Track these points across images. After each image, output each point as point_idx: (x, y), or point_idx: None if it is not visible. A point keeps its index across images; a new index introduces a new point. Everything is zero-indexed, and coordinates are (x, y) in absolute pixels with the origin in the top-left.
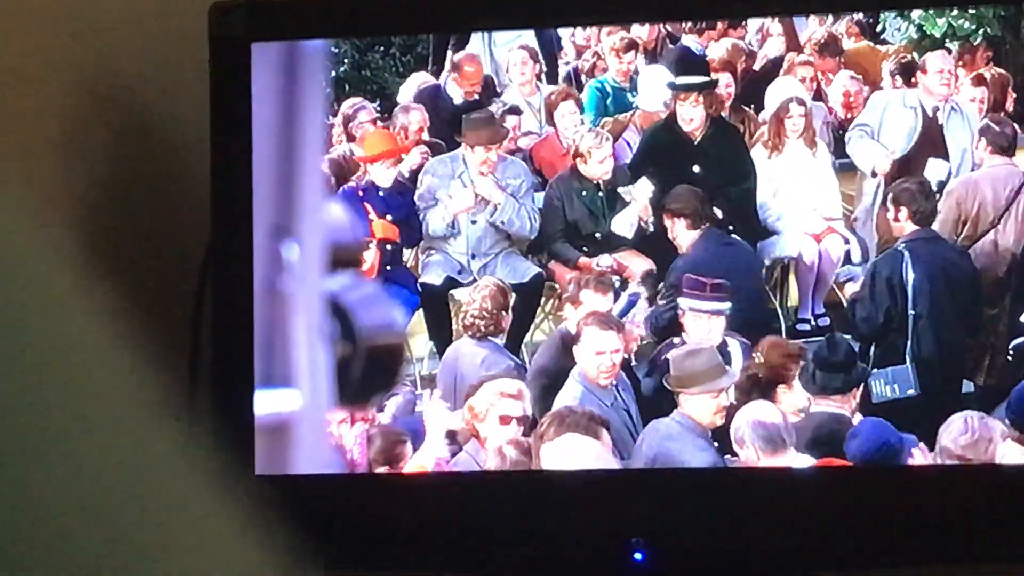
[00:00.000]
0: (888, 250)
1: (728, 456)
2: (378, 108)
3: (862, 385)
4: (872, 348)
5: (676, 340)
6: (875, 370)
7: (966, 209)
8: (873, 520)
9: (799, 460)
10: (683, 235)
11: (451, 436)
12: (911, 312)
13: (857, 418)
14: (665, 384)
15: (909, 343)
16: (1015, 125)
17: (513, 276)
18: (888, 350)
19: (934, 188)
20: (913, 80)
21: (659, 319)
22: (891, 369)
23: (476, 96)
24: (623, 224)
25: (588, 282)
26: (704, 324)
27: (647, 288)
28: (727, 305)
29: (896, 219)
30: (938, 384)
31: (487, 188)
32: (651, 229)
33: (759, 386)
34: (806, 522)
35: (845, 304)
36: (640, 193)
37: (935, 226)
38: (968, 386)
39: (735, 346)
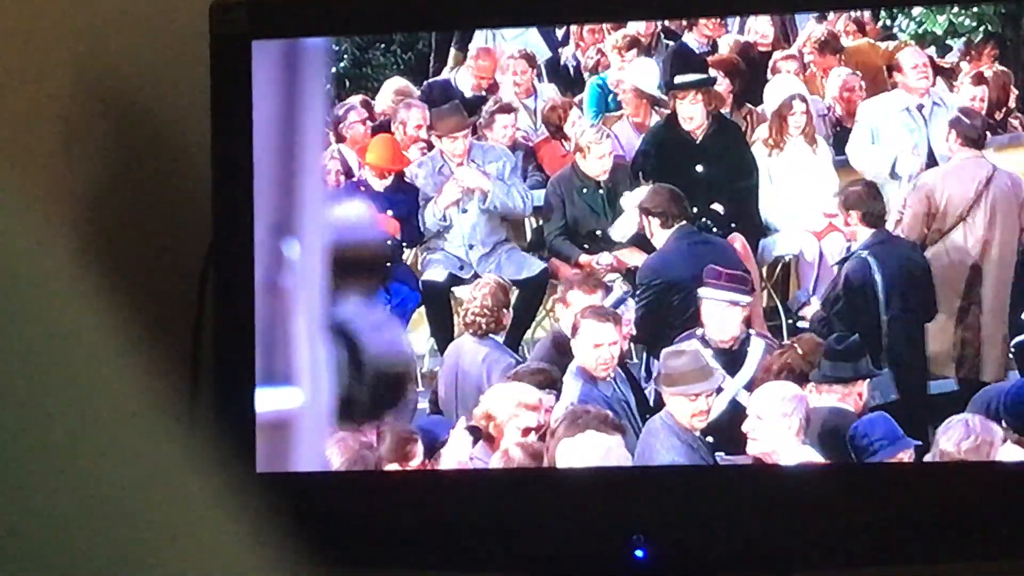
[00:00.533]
0: (852, 258)
1: (721, 455)
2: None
3: (867, 383)
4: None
5: (699, 331)
6: None
7: (935, 203)
8: (874, 517)
9: (806, 452)
10: (658, 234)
11: (474, 432)
12: (884, 317)
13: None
14: (654, 382)
15: (885, 349)
16: (984, 117)
17: (519, 272)
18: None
19: (906, 183)
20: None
21: (635, 317)
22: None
23: (484, 90)
24: (620, 231)
25: (575, 282)
26: (720, 314)
27: (627, 284)
28: (747, 298)
29: (847, 223)
30: (917, 386)
31: (471, 177)
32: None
33: (792, 375)
34: (807, 519)
35: (809, 324)
36: (633, 202)
37: (906, 220)
38: (948, 384)
39: (757, 344)
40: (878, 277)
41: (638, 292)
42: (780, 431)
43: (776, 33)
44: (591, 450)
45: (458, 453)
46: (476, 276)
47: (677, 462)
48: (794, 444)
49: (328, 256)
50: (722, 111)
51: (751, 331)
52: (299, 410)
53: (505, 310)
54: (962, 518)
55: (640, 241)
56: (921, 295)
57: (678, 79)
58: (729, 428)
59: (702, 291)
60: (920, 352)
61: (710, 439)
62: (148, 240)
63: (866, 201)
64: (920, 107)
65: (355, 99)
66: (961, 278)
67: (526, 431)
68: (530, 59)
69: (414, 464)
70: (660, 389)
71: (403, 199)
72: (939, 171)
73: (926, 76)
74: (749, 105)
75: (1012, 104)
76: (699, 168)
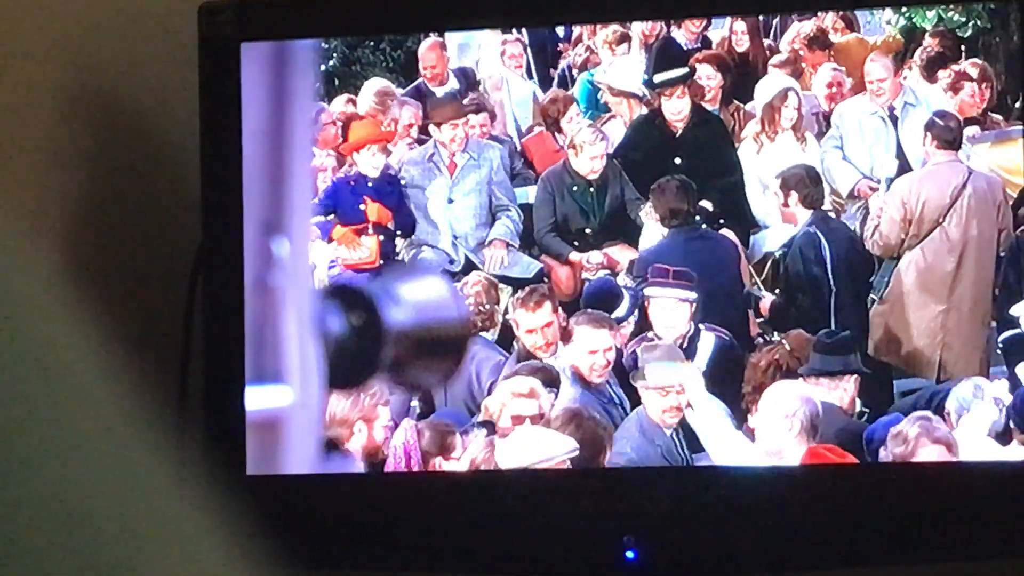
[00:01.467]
0: (801, 236)
1: (695, 454)
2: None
3: (857, 380)
4: None
5: (649, 334)
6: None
7: (911, 208)
8: (867, 517)
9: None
10: (658, 229)
11: (488, 427)
12: (833, 289)
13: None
14: (631, 380)
15: (833, 322)
16: (959, 118)
17: (515, 270)
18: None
19: (884, 186)
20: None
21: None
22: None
23: (457, 84)
24: (649, 242)
25: (518, 301)
26: (669, 313)
27: (632, 277)
28: (692, 294)
29: (786, 204)
30: (864, 358)
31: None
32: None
33: (780, 372)
34: (800, 519)
35: (767, 316)
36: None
37: (883, 226)
38: (919, 382)
39: (707, 339)
40: (827, 250)
41: (635, 284)
42: (780, 431)
43: (751, 37)
44: (538, 445)
45: (476, 451)
46: (466, 270)
47: (630, 457)
48: (793, 446)
49: (406, 338)
50: (706, 106)
51: (700, 326)
52: (289, 409)
53: (496, 307)
54: (959, 518)
55: (630, 238)
56: (863, 273)
57: (657, 78)
58: (688, 424)
59: (648, 291)
60: (865, 322)
61: (677, 439)
62: (137, 241)
63: (807, 183)
64: (891, 109)
65: (330, 100)
66: (941, 282)
67: (519, 419)
68: (524, 45)
69: (455, 455)
70: (635, 384)
71: (391, 190)
72: (914, 176)
73: (884, 92)
74: (737, 102)
75: (995, 100)
76: (677, 161)
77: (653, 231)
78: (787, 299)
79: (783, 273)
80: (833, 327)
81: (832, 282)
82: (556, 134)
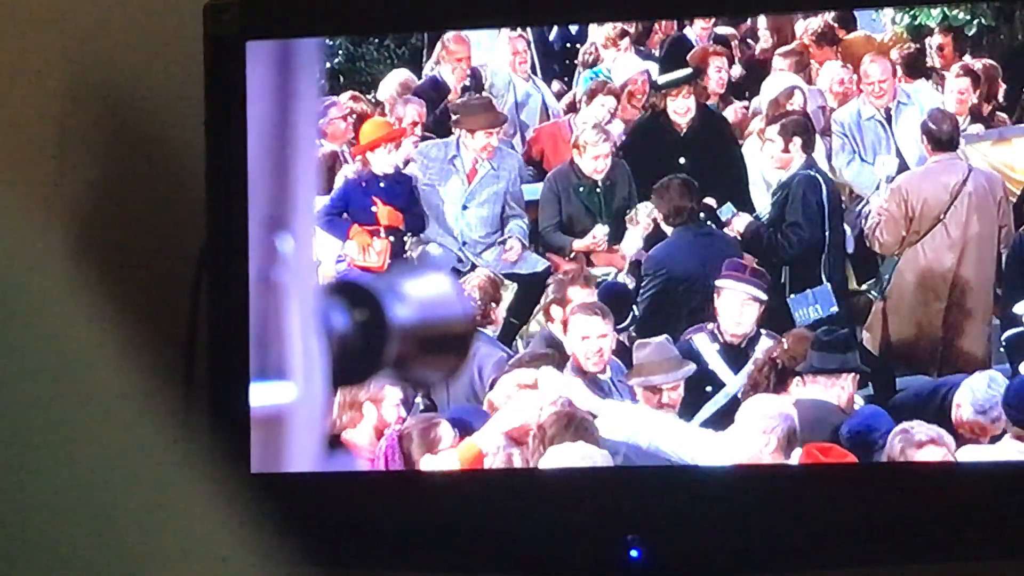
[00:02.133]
0: (801, 177)
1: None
2: (373, 100)
3: (855, 378)
4: (787, 272)
5: (710, 325)
6: (793, 296)
7: (912, 206)
8: (867, 517)
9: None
10: (662, 226)
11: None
12: (826, 232)
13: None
14: (625, 378)
15: (823, 263)
16: (955, 118)
17: (523, 267)
18: (804, 272)
19: (885, 184)
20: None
21: (642, 309)
22: (811, 291)
23: (467, 81)
24: (631, 245)
25: (573, 279)
26: (738, 308)
27: (633, 278)
28: (765, 295)
29: (786, 150)
30: (851, 300)
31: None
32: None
33: (776, 372)
34: (800, 519)
35: (742, 237)
36: (643, 216)
37: (884, 224)
38: (921, 380)
39: (765, 344)
40: (824, 192)
41: (643, 283)
42: (756, 446)
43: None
44: (572, 456)
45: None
46: (474, 267)
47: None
48: (767, 461)
49: (411, 335)
50: (710, 104)
51: (762, 331)
52: (293, 405)
53: (494, 304)
54: (959, 518)
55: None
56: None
57: (662, 79)
58: (724, 424)
59: (721, 282)
60: (848, 268)
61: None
62: (143, 238)
63: (807, 128)
64: (887, 111)
65: (337, 96)
66: (941, 279)
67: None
68: (527, 42)
69: (444, 446)
70: (629, 383)
71: (401, 191)
72: (913, 174)
73: (885, 93)
74: (735, 100)
75: (1001, 98)
76: (682, 160)
77: (634, 236)
78: (774, 227)
79: (778, 204)
80: (824, 270)
81: (827, 222)
82: (573, 120)
